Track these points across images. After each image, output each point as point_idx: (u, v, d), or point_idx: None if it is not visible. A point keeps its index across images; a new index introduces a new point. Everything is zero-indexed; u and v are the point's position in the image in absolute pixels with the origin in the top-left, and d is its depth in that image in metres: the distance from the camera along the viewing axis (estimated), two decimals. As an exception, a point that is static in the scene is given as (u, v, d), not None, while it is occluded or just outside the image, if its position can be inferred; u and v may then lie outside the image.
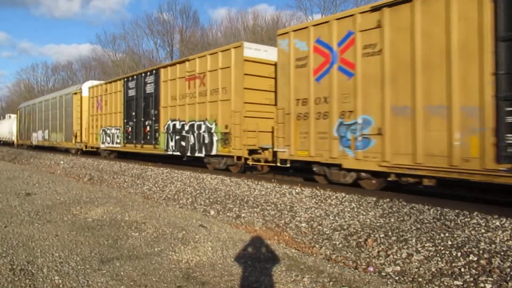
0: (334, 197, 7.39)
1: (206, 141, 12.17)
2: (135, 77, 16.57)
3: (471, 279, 3.96)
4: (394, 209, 6.35)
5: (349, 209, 6.56)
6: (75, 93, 22.23)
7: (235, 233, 5.59)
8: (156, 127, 14.86)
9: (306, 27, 9.10)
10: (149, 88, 15.38)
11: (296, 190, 8.13)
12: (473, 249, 4.53)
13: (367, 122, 7.70)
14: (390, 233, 5.30)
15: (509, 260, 4.18)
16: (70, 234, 5.36)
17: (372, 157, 7.61)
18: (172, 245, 4.91)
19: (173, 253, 4.61)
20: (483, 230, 5.09)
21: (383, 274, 4.34)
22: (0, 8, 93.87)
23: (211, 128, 11.97)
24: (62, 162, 17.89)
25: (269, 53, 11.62)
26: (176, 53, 48.80)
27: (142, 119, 15.72)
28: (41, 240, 5.10)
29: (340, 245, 5.24)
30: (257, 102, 11.28)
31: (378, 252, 4.86)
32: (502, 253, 4.35)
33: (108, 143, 18.50)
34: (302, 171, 11.61)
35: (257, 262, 4.35)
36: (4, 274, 3.91)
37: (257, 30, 39.93)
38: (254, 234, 5.66)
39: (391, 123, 7.30)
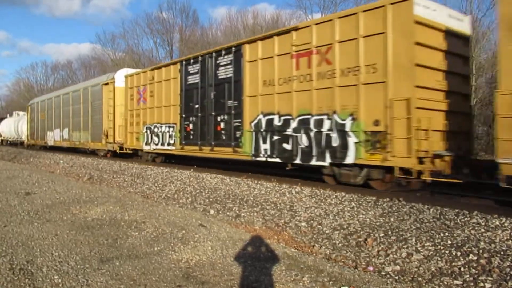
0: (334, 196, 7.39)
1: (335, 143, 8.46)
2: (199, 58, 12.62)
3: (471, 278, 3.96)
4: (394, 209, 6.35)
5: (348, 209, 6.56)
6: (106, 84, 18.37)
7: (235, 233, 5.58)
8: (236, 124, 11.01)
9: None
10: (224, 72, 11.55)
11: (296, 190, 8.13)
12: (473, 248, 4.53)
13: None
14: (389, 233, 5.30)
15: (509, 259, 4.18)
16: (69, 234, 5.36)
17: None
18: (172, 244, 4.91)
19: (172, 252, 4.61)
20: (482, 230, 5.09)
21: (383, 273, 4.34)
22: (0, 7, 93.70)
23: (343, 125, 8.31)
24: (61, 161, 17.88)
25: (438, 13, 8.02)
26: (176, 52, 48.76)
27: (213, 113, 11.88)
28: (41, 239, 5.09)
29: (340, 244, 5.24)
30: (429, 87, 7.73)
31: (378, 251, 4.86)
32: (501, 253, 4.35)
33: (156, 144, 14.66)
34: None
35: (257, 261, 4.35)
36: (4, 273, 3.91)
37: (257, 29, 39.88)
38: (254, 234, 5.66)
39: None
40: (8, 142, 39.83)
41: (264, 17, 42.30)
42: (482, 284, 3.82)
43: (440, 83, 7.94)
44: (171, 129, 13.86)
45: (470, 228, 5.20)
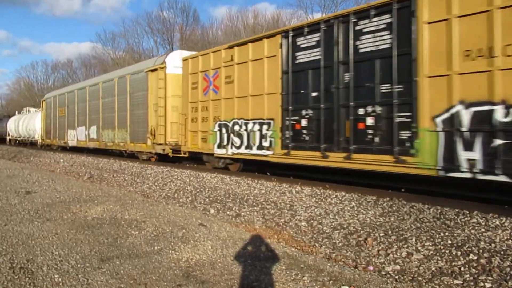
0: (334, 196, 7.39)
1: None
2: (320, 26, 8.67)
3: (471, 278, 3.96)
4: (394, 208, 6.35)
5: (349, 208, 6.56)
6: (153, 70, 14.48)
7: (235, 232, 5.59)
8: (402, 120, 7.20)
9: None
10: (372, 42, 7.71)
11: (296, 189, 8.13)
12: (473, 248, 4.53)
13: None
14: (390, 232, 5.30)
15: (509, 259, 4.18)
16: (70, 233, 5.36)
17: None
18: (172, 243, 4.91)
19: (173, 251, 4.61)
20: (483, 229, 5.09)
21: (383, 273, 4.34)
22: (0, 6, 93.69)
23: None
24: (61, 160, 17.88)
25: None
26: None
27: (351, 104, 7.98)
28: (41, 238, 5.10)
29: (340, 244, 5.25)
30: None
31: (378, 251, 4.86)
32: (502, 252, 4.35)
33: (238, 147, 10.73)
34: None
35: (257, 261, 4.35)
36: (4, 272, 3.91)
37: (258, 29, 39.89)
38: (254, 233, 5.66)
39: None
40: (17, 141, 35.95)
41: (265, 17, 42.33)
42: (482, 284, 3.82)
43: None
44: (265, 127, 9.93)
45: (470, 227, 5.20)
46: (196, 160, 14.01)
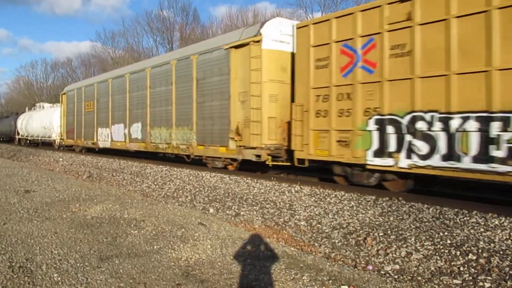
0: (334, 195, 7.39)
1: None
2: None
3: (470, 278, 3.96)
4: (393, 208, 6.35)
5: (348, 208, 6.56)
6: (241, 46, 10.50)
7: (234, 231, 5.59)
8: None
9: None
10: None
11: (295, 188, 8.13)
12: (472, 248, 4.53)
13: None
14: (389, 232, 5.31)
15: (508, 259, 4.18)
16: (69, 232, 5.36)
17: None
18: (171, 243, 4.91)
19: (172, 251, 4.61)
20: (482, 229, 5.10)
21: (382, 272, 4.34)
22: (1, 5, 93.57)
23: None
24: (61, 159, 17.87)
25: None
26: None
27: None
28: (40, 237, 5.09)
29: (339, 243, 5.25)
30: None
31: (377, 250, 4.86)
32: (501, 252, 4.36)
33: (423, 157, 6.92)
34: None
35: (256, 260, 4.35)
36: (3, 271, 3.91)
37: (257, 28, 39.86)
38: (253, 232, 5.66)
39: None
40: (28, 141, 32.13)
41: (265, 16, 42.27)
42: (481, 284, 3.82)
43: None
44: (498, 125, 6.03)
45: (470, 227, 5.21)
46: (315, 172, 10.62)
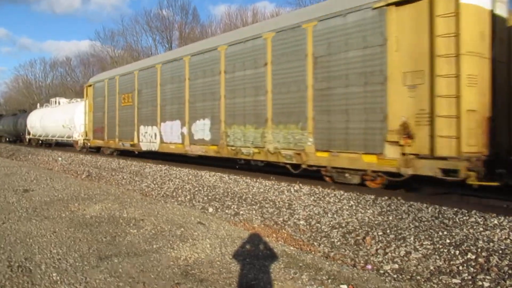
0: (333, 195, 7.40)
1: None
2: None
3: (469, 277, 3.96)
4: (393, 207, 6.35)
5: (347, 207, 6.57)
6: (409, 1, 7.06)
7: (234, 231, 5.58)
8: None
9: None
10: None
11: (295, 188, 8.13)
12: (471, 247, 4.54)
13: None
14: (388, 231, 5.31)
15: (507, 258, 4.19)
16: (68, 231, 5.35)
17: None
18: (171, 242, 4.91)
19: (171, 250, 4.61)
20: (481, 229, 5.10)
21: (382, 272, 4.34)
22: (0, 4, 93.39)
23: None
24: (60, 158, 17.85)
25: None
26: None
27: None
28: (39, 236, 5.09)
29: (339, 243, 5.25)
30: None
31: (377, 250, 4.86)
32: (500, 252, 4.36)
33: None
34: None
35: (255, 259, 4.35)
36: (2, 270, 3.90)
37: (256, 27, 39.82)
38: (252, 232, 5.66)
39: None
40: (41, 142, 28.57)
41: (264, 15, 42.26)
42: (480, 283, 3.82)
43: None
44: None
45: (469, 227, 5.21)
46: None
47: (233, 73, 10.79)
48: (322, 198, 7.24)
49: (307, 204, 6.95)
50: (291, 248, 4.96)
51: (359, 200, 6.90)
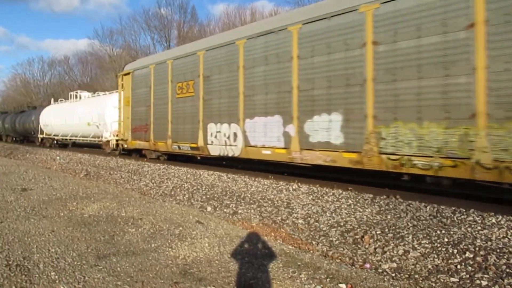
0: (331, 193, 7.40)
1: None
2: None
3: (467, 276, 3.97)
4: (391, 206, 6.36)
5: (345, 206, 6.57)
6: None
7: (232, 229, 5.58)
8: None
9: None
10: None
11: (293, 187, 8.13)
12: (469, 246, 4.55)
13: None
14: (386, 230, 5.32)
15: (505, 257, 4.20)
16: (66, 230, 5.34)
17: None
18: (169, 241, 4.90)
19: (170, 249, 4.60)
20: (479, 227, 5.12)
21: (380, 270, 4.35)
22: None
23: None
24: (58, 157, 17.82)
25: None
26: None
27: None
28: (37, 235, 5.08)
29: (337, 241, 5.25)
30: None
31: (375, 248, 4.87)
32: (498, 250, 4.37)
33: None
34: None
35: (254, 258, 4.35)
36: (0, 269, 3.89)
37: (255, 26, 39.78)
38: (251, 231, 5.66)
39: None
40: (57, 142, 25.21)
41: (262, 14, 42.23)
42: (478, 282, 3.83)
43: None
44: None
45: (467, 225, 5.22)
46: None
47: (394, 43, 7.10)
48: (320, 197, 7.25)
49: (305, 203, 6.95)
50: (290, 247, 4.96)
51: (357, 199, 6.90)
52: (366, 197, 6.99)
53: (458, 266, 4.18)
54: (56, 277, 3.73)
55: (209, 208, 7.30)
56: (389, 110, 7.16)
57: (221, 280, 3.73)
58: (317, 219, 6.09)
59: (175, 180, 9.95)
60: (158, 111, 13.83)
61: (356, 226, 5.62)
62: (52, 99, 29.80)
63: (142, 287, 3.58)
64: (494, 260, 4.18)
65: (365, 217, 5.96)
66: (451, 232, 5.01)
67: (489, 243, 4.60)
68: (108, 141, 18.05)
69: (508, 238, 4.72)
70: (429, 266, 4.27)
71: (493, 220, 5.31)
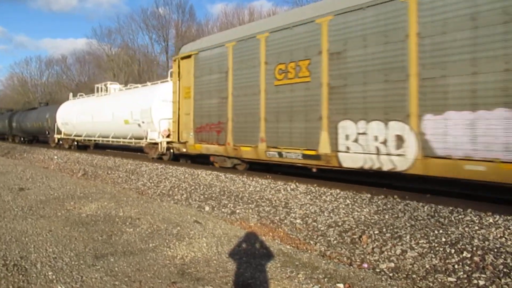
0: (329, 193, 7.41)
1: None
2: None
3: (465, 275, 3.98)
4: (389, 206, 6.37)
5: (343, 206, 6.58)
6: None
7: (230, 229, 5.58)
8: None
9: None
10: None
11: (291, 186, 8.14)
12: (467, 246, 4.56)
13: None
14: (384, 230, 5.32)
15: (502, 256, 4.21)
16: (64, 230, 5.33)
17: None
18: (167, 241, 4.90)
19: (167, 249, 4.60)
20: (476, 227, 5.13)
21: (378, 270, 4.35)
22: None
23: None
24: (56, 157, 17.78)
25: None
26: (172, 47, 48.68)
27: None
28: (35, 235, 5.07)
29: (335, 241, 5.26)
30: None
31: (373, 248, 4.87)
32: (495, 250, 4.38)
33: None
34: None
35: (252, 258, 4.35)
36: (-3, 269, 3.88)
37: (253, 26, 39.76)
38: (249, 230, 5.66)
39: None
40: (76, 143, 21.59)
41: (260, 14, 42.23)
42: (475, 281, 3.84)
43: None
44: None
45: (464, 225, 5.24)
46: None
47: None
48: (318, 197, 7.25)
49: (303, 202, 6.95)
50: (288, 247, 4.97)
51: (355, 199, 6.91)
52: (364, 197, 7.00)
53: (456, 266, 4.18)
54: (54, 277, 3.72)
55: (207, 208, 7.30)
56: None
57: (219, 280, 3.73)
58: (315, 219, 6.09)
59: (173, 180, 9.94)
60: (240, 104, 10.11)
61: (354, 226, 5.62)
62: (71, 94, 25.47)
63: (140, 287, 3.57)
64: (492, 259, 4.19)
65: (363, 217, 5.97)
66: (449, 232, 5.02)
67: (487, 242, 4.61)
68: (155, 144, 14.34)
69: (506, 238, 4.74)
70: (427, 266, 4.28)
71: (491, 220, 5.32)
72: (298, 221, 6.12)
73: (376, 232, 5.29)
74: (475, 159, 6.08)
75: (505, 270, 3.96)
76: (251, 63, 9.88)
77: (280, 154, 9.12)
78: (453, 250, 4.49)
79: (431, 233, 5.03)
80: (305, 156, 8.58)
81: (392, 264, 4.44)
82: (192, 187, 8.91)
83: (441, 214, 5.77)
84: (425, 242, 4.80)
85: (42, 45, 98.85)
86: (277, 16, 11.68)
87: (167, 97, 13.65)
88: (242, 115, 10.10)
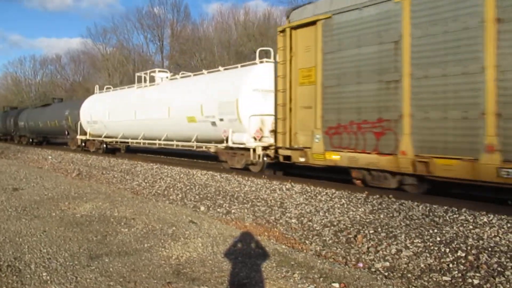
0: (324, 193, 7.42)
1: None
2: None
3: (459, 274, 4.00)
4: (384, 206, 6.39)
5: (339, 205, 6.59)
6: None
7: (226, 229, 5.57)
8: None
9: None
10: None
11: (287, 186, 8.14)
12: (461, 245, 4.58)
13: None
14: (379, 229, 5.34)
15: (496, 256, 4.23)
16: (58, 230, 5.30)
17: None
18: (162, 241, 4.88)
19: (163, 249, 4.58)
20: (471, 226, 5.16)
21: (373, 270, 4.36)
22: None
23: None
24: (50, 157, 17.67)
25: None
26: (167, 47, 48.56)
27: None
28: (29, 236, 5.03)
29: (330, 241, 5.26)
30: None
31: (368, 248, 4.88)
32: (489, 249, 4.41)
33: None
34: None
35: (247, 258, 4.35)
36: (-9, 270, 3.85)
37: (249, 26, 39.81)
38: (244, 230, 5.65)
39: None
40: (107, 146, 18.14)
41: (256, 14, 42.21)
42: (470, 280, 3.86)
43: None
44: None
45: (459, 225, 5.26)
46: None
47: None
48: (313, 197, 7.26)
49: (298, 202, 6.96)
50: (283, 246, 4.96)
51: (350, 199, 6.92)
52: (359, 196, 7.01)
53: (450, 265, 4.20)
54: (48, 277, 3.70)
55: (202, 208, 7.28)
56: None
57: (214, 280, 3.72)
58: (311, 218, 6.10)
59: (168, 180, 9.91)
60: (431, 91, 6.79)
61: (349, 225, 5.63)
62: (97, 86, 20.90)
63: (135, 287, 3.56)
64: (486, 258, 4.21)
65: (358, 216, 5.98)
66: (443, 231, 5.04)
67: (481, 242, 4.64)
68: (243, 150, 10.65)
69: (500, 237, 4.77)
70: (422, 265, 4.29)
71: (485, 219, 5.36)
72: (293, 220, 6.12)
73: (371, 231, 5.30)
74: None
75: (499, 269, 3.98)
76: (458, 24, 6.41)
77: None
78: (447, 249, 4.52)
79: (426, 233, 5.05)
80: None
81: (387, 264, 4.45)
82: (188, 187, 8.89)
83: (436, 213, 5.79)
84: (420, 241, 4.81)
85: (37, 44, 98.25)
86: None
87: (259, 86, 10.46)
88: (436, 107, 6.72)
